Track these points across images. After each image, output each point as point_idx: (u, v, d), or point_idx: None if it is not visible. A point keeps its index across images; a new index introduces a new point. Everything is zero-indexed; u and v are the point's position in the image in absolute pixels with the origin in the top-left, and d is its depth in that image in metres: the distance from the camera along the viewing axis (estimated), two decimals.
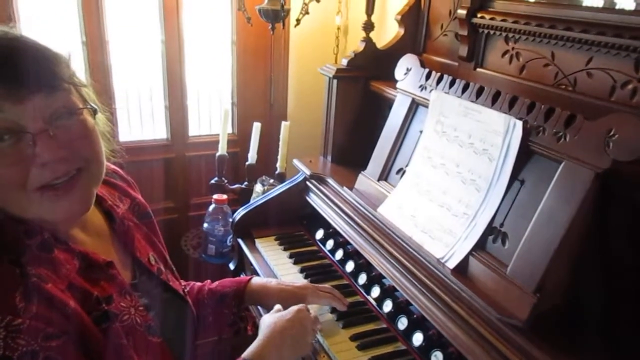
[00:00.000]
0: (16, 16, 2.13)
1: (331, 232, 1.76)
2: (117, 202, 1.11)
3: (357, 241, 1.57)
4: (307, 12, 2.35)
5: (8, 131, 0.80)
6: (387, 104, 1.78)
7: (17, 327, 0.75)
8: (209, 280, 1.40)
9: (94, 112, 0.92)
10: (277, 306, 1.29)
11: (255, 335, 1.20)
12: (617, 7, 1.24)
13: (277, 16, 2.20)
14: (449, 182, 1.36)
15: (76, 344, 0.82)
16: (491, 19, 1.52)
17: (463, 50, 1.65)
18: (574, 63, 1.32)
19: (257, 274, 1.70)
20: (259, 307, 1.54)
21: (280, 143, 2.30)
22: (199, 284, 1.38)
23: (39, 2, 2.24)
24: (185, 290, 1.22)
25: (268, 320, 1.21)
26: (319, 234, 1.80)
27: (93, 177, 0.92)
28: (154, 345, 0.98)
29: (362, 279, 1.52)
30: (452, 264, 1.26)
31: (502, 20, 1.49)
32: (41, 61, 0.83)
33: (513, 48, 1.50)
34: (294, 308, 1.24)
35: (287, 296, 1.34)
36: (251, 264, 1.77)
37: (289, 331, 1.18)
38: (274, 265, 1.69)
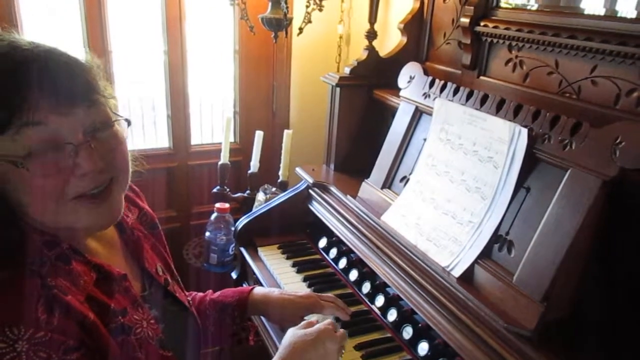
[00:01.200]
0: (19, 25, 2.14)
1: (334, 241, 1.75)
2: (127, 212, 1.11)
3: (361, 249, 1.56)
4: (309, 21, 2.36)
5: (51, 143, 0.82)
6: (390, 112, 1.78)
7: (39, 340, 0.76)
8: (210, 291, 1.39)
9: (128, 124, 0.95)
10: (306, 320, 1.19)
11: (257, 345, 1.18)
12: (620, 15, 1.24)
13: (279, 25, 2.21)
14: (453, 190, 1.36)
15: (94, 357, 0.82)
16: (494, 27, 1.52)
17: (466, 59, 1.65)
18: (578, 71, 1.32)
19: (260, 283, 1.69)
20: (261, 317, 1.53)
21: (283, 151, 2.30)
22: (200, 294, 1.37)
23: (41, 11, 2.25)
24: (190, 302, 1.21)
25: (290, 339, 1.10)
26: (322, 242, 1.79)
27: (122, 186, 0.94)
28: (166, 359, 0.97)
29: (366, 287, 1.51)
30: (457, 272, 1.25)
31: (506, 29, 1.49)
32: (82, 74, 0.86)
33: (516, 56, 1.50)
34: (319, 327, 1.12)
35: (290, 306, 1.32)
36: (254, 273, 1.76)
37: (309, 355, 1.07)
38: (277, 274, 1.68)
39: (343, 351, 1.20)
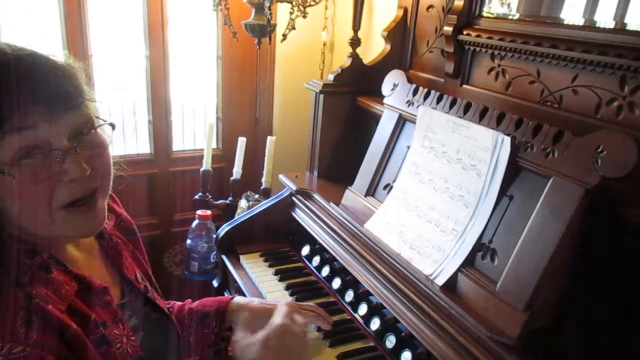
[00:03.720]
0: None
1: (317, 249, 1.73)
2: None
3: (344, 257, 1.55)
4: (293, 28, 2.35)
5: (38, 148, 0.80)
6: (373, 120, 1.78)
7: (17, 356, 0.73)
8: (189, 300, 1.36)
9: (112, 128, 0.93)
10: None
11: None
12: (599, 25, 1.26)
13: (263, 31, 2.20)
14: (437, 197, 1.36)
15: None
16: (477, 36, 1.53)
17: (449, 67, 1.66)
18: (560, 80, 1.33)
19: (242, 292, 1.67)
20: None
21: (266, 158, 2.29)
22: (179, 303, 1.35)
23: (20, 14, 2.20)
24: (170, 310, 1.19)
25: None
26: (305, 250, 1.78)
27: (106, 192, 0.93)
28: None
29: (349, 296, 1.50)
30: (440, 280, 1.24)
31: (488, 38, 1.50)
32: (67, 78, 0.84)
33: (499, 65, 1.51)
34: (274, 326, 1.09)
35: (269, 315, 1.30)
36: (235, 281, 1.74)
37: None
38: (259, 282, 1.66)
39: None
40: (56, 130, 0.81)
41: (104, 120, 0.91)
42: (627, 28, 1.20)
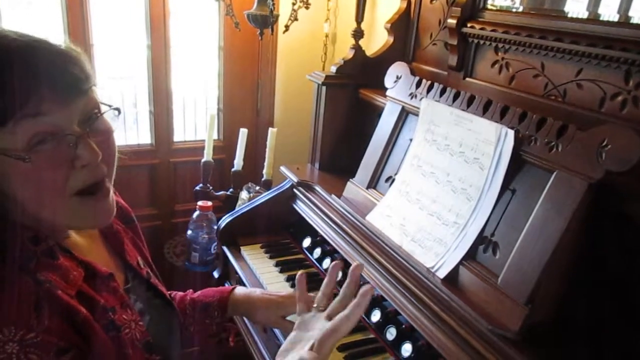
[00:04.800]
0: None
1: (318, 241, 1.73)
2: None
3: (345, 249, 1.55)
4: (296, 19, 2.34)
5: (51, 134, 0.80)
6: (376, 112, 1.77)
7: (30, 342, 0.74)
8: (191, 290, 1.37)
9: (118, 112, 0.93)
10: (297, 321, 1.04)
11: (239, 347, 1.16)
12: (604, 18, 1.25)
13: (265, 22, 2.19)
14: (439, 190, 1.35)
15: (85, 357, 0.81)
16: (481, 29, 1.52)
17: (452, 60, 1.65)
18: (564, 74, 1.33)
19: (242, 283, 1.67)
20: (244, 318, 1.51)
21: (267, 150, 2.28)
22: (181, 293, 1.35)
23: (20, 2, 2.19)
24: (171, 296, 1.20)
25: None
26: (306, 242, 1.78)
27: (112, 178, 0.93)
28: None
29: None
30: (442, 273, 1.24)
31: (492, 31, 1.49)
32: (76, 64, 0.83)
33: (503, 58, 1.50)
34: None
35: (273, 306, 1.31)
36: (236, 273, 1.74)
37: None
38: (260, 273, 1.66)
39: None
40: (68, 116, 0.81)
41: (109, 106, 0.91)
42: (632, 22, 1.19)
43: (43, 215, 0.85)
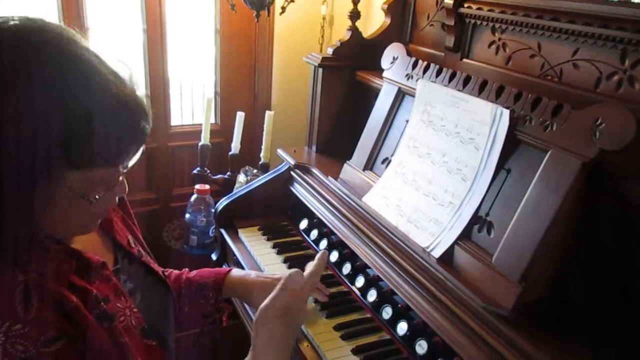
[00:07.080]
0: None
1: (315, 222, 1.74)
2: None
3: (342, 231, 1.56)
4: (292, 0, 2.32)
5: (115, 178, 0.88)
6: (373, 94, 1.77)
7: (16, 333, 0.74)
8: (186, 269, 1.37)
9: None
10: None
11: (230, 325, 1.18)
12: None
13: (262, 4, 2.17)
14: (434, 171, 1.36)
15: (76, 346, 0.81)
16: (478, 9, 1.51)
17: (449, 41, 1.65)
18: (561, 54, 1.32)
19: (240, 265, 1.68)
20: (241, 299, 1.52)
21: (264, 133, 2.28)
22: (176, 272, 1.36)
23: None
24: (165, 274, 1.21)
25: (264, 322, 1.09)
26: (303, 224, 1.79)
27: None
28: (150, 348, 0.97)
29: (347, 268, 1.51)
30: (437, 253, 1.25)
31: (489, 11, 1.48)
32: (149, 120, 0.90)
33: (500, 39, 1.50)
34: (288, 303, 1.11)
35: (267, 288, 1.31)
36: (234, 255, 1.75)
37: (277, 328, 1.07)
38: (258, 255, 1.67)
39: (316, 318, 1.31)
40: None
41: None
42: (628, 0, 1.18)
43: (58, 230, 0.88)
